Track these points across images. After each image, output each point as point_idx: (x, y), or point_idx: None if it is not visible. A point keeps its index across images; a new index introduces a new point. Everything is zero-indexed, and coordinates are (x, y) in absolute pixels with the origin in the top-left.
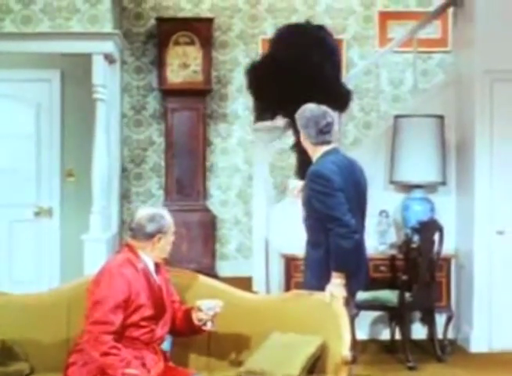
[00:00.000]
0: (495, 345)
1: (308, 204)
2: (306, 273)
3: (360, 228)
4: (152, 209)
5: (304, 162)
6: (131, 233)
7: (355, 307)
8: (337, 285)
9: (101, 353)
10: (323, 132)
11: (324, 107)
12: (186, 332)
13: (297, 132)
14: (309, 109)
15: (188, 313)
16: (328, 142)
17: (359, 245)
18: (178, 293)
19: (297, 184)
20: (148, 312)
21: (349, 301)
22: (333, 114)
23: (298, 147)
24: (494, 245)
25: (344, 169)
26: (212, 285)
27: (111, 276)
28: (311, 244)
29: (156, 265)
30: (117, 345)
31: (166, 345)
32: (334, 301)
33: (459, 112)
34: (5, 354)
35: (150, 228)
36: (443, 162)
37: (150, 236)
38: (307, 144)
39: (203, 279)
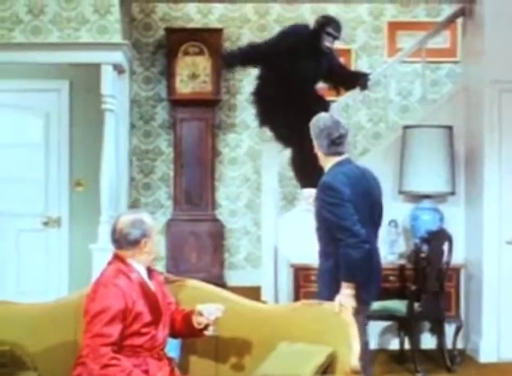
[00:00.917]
0: (504, 355)
1: (319, 214)
2: (318, 283)
3: (372, 238)
4: (130, 215)
5: (303, 171)
6: (117, 244)
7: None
8: (346, 295)
9: (101, 366)
10: (336, 144)
11: (337, 118)
12: (186, 335)
13: (292, 145)
14: (322, 120)
15: (188, 317)
16: (340, 153)
17: (370, 255)
18: (185, 302)
19: (312, 193)
20: (147, 318)
21: (359, 311)
22: (346, 126)
23: (299, 157)
24: (503, 255)
25: (354, 180)
26: (221, 295)
27: (105, 288)
28: (323, 254)
29: (149, 270)
30: (117, 356)
31: (173, 351)
32: (343, 311)
33: (468, 122)
34: (14, 363)
35: (134, 235)
36: (452, 172)
37: (136, 243)
38: (319, 154)
39: (211, 288)
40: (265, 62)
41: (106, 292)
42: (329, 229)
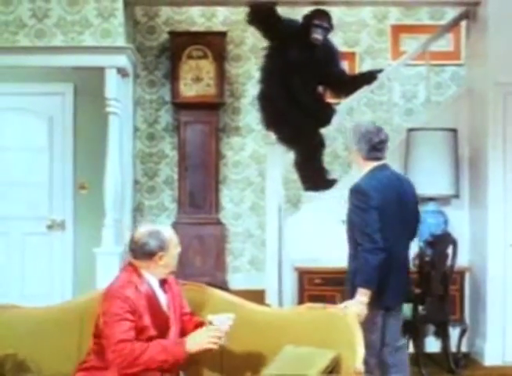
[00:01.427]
0: (508, 358)
1: (348, 217)
2: (346, 285)
3: (399, 246)
4: (149, 226)
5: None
6: (132, 253)
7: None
8: (358, 302)
9: (139, 363)
10: (376, 149)
11: (378, 126)
12: None
13: (296, 147)
14: (364, 125)
15: (199, 327)
16: (379, 159)
17: (387, 263)
18: (191, 306)
19: None
20: (152, 332)
21: (378, 315)
22: (386, 132)
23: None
24: (508, 258)
25: (388, 186)
26: (224, 298)
27: (112, 297)
28: (350, 255)
29: (164, 281)
30: (137, 343)
31: None
32: (348, 315)
33: (472, 125)
34: (17, 367)
35: (150, 247)
36: (456, 175)
37: (151, 255)
38: (358, 158)
39: (215, 292)
40: (277, 37)
41: (114, 303)
42: (354, 232)
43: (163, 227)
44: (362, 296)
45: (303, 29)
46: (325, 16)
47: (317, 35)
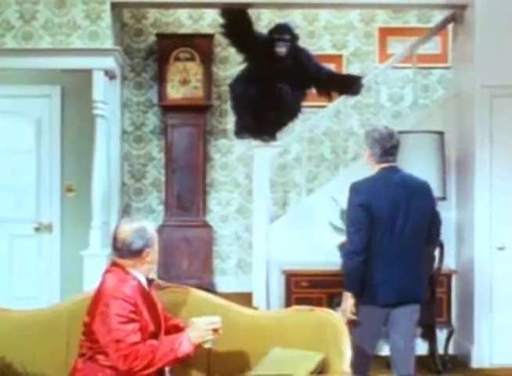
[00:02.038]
0: (496, 361)
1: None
2: None
3: (405, 245)
4: (132, 224)
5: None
6: (118, 253)
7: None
8: (344, 304)
9: (148, 361)
10: (388, 154)
11: (392, 129)
12: None
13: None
14: (378, 130)
15: (181, 330)
16: (389, 162)
17: (365, 267)
18: (177, 309)
19: None
20: (151, 328)
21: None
22: (398, 136)
23: None
24: (494, 261)
25: (386, 186)
26: (212, 301)
27: (113, 299)
28: None
29: (148, 281)
30: (147, 343)
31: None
32: (335, 317)
33: (460, 128)
34: (5, 370)
35: (137, 245)
36: (443, 178)
37: (139, 253)
38: (370, 161)
39: (202, 294)
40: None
41: (114, 303)
42: None
43: (145, 223)
44: (347, 299)
45: (267, 43)
46: (285, 29)
47: (279, 49)
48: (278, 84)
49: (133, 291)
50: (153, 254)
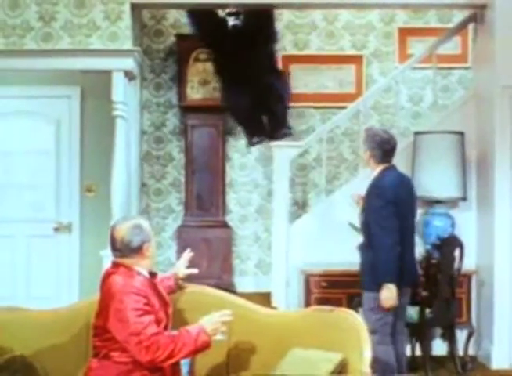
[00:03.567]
0: None
1: (366, 213)
2: None
3: (411, 233)
4: (127, 222)
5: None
6: (119, 253)
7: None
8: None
9: (170, 351)
10: (388, 155)
11: (390, 133)
12: None
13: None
14: (379, 134)
15: None
16: (389, 162)
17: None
18: (197, 309)
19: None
20: (164, 321)
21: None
22: (395, 137)
23: None
24: None
25: (400, 183)
26: (231, 301)
27: (125, 294)
28: (365, 246)
29: (151, 274)
30: (166, 333)
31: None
32: (355, 318)
33: (480, 128)
34: (25, 370)
35: (136, 242)
36: (463, 178)
37: (139, 249)
38: (370, 161)
39: (221, 294)
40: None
41: (127, 299)
42: (371, 226)
43: (138, 218)
44: (390, 289)
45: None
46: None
47: (231, 22)
48: (262, 78)
49: (143, 285)
50: (152, 249)
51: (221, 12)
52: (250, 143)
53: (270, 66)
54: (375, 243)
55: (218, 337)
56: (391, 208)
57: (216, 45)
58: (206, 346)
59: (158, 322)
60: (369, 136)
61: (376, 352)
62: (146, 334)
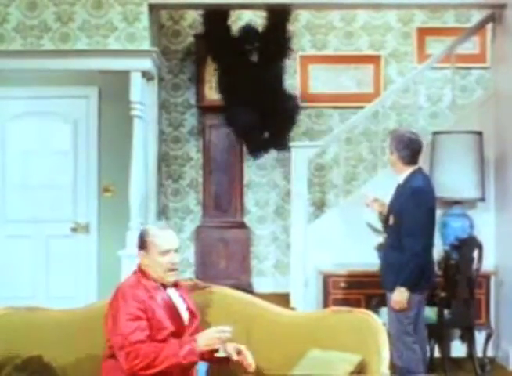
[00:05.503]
0: None
1: (398, 212)
2: None
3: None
4: (159, 224)
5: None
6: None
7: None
8: (401, 296)
9: (149, 361)
10: (416, 156)
11: (416, 133)
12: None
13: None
14: (407, 135)
15: None
16: (416, 163)
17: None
18: (215, 309)
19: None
20: (170, 328)
21: None
22: (422, 140)
23: None
24: None
25: (430, 186)
26: (249, 301)
27: (123, 296)
28: (391, 247)
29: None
30: (152, 344)
31: (201, 372)
32: (373, 319)
33: (498, 128)
34: (43, 369)
35: (137, 242)
36: (482, 178)
37: (139, 248)
38: (397, 163)
39: (240, 295)
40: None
41: (124, 300)
42: (403, 227)
43: (158, 227)
44: (403, 293)
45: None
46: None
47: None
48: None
49: (147, 294)
50: (148, 261)
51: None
52: (253, 156)
53: (277, 87)
54: (405, 246)
55: (219, 354)
56: (428, 215)
57: (223, 61)
58: (193, 362)
59: (157, 329)
60: (396, 137)
61: (401, 354)
62: (130, 340)
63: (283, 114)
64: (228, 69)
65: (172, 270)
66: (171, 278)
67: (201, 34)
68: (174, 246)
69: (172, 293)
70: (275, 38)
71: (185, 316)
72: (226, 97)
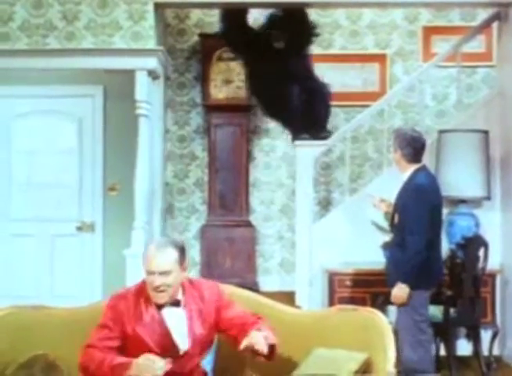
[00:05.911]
0: None
1: (403, 211)
2: None
3: (440, 233)
4: (155, 239)
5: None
6: None
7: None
8: (402, 291)
9: (89, 373)
10: (419, 154)
11: (420, 131)
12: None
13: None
14: (409, 133)
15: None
16: (420, 161)
17: (431, 252)
18: None
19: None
20: (154, 349)
21: None
22: (425, 138)
23: None
24: None
25: (434, 183)
26: (255, 300)
27: (107, 302)
28: (396, 244)
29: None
30: (99, 354)
31: (207, 365)
32: (379, 317)
33: (504, 126)
34: (48, 368)
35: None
36: (488, 177)
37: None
38: (401, 161)
39: (246, 293)
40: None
41: (106, 310)
42: (406, 225)
43: (156, 245)
44: (403, 289)
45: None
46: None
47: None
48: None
49: (129, 306)
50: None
51: (262, 31)
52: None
53: (311, 74)
54: (407, 244)
55: (243, 347)
56: (429, 213)
57: (250, 57)
58: None
59: (140, 347)
60: (399, 136)
61: (412, 352)
62: (88, 342)
63: (321, 101)
64: (257, 64)
65: (157, 291)
66: (157, 299)
67: (221, 34)
68: (158, 269)
69: (169, 313)
70: (300, 23)
71: (180, 339)
72: (262, 93)
